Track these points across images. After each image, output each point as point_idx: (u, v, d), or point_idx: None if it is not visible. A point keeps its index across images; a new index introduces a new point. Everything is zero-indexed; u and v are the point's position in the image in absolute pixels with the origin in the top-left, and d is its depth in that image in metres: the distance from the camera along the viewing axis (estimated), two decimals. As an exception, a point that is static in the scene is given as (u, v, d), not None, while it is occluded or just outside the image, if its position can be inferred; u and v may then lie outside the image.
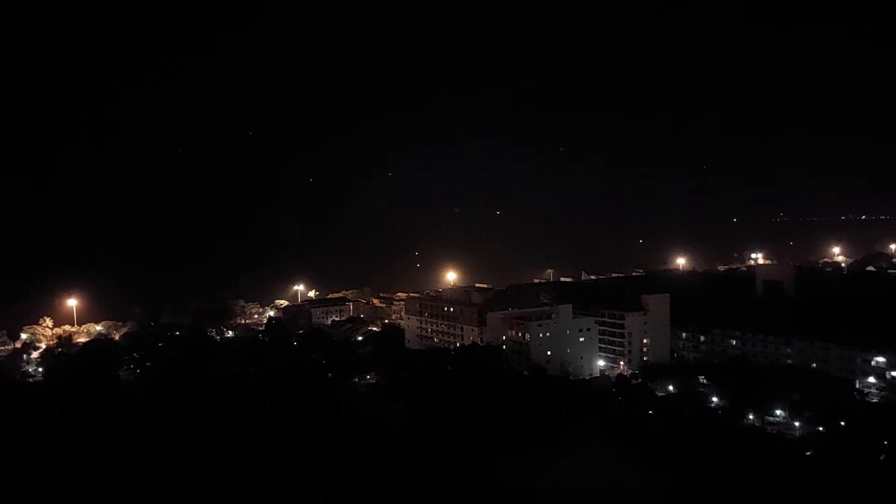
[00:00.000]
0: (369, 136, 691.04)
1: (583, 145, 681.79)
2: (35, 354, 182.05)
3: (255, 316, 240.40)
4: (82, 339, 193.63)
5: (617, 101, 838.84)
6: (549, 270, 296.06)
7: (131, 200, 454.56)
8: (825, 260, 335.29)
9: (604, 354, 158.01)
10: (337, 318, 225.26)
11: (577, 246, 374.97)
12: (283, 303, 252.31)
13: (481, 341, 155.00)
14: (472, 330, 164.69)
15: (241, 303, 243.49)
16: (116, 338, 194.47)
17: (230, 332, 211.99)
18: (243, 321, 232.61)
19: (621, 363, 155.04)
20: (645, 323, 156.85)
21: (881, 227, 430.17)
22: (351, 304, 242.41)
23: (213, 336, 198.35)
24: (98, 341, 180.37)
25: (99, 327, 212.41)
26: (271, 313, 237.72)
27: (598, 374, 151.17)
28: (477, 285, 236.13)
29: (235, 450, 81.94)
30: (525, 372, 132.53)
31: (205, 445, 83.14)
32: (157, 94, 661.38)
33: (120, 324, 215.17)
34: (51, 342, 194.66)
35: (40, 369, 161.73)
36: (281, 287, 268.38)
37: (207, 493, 73.87)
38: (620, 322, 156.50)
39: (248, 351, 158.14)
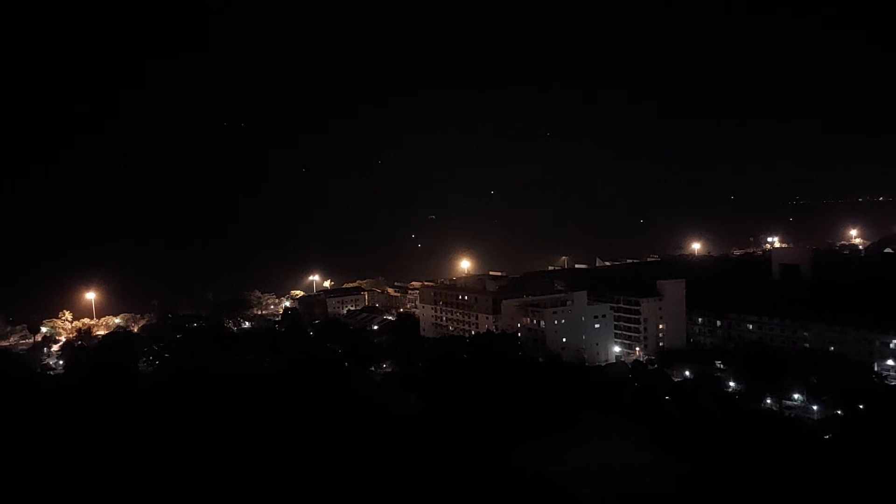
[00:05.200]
0: (375, 124, 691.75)
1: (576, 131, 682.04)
2: (55, 347, 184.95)
3: (272, 306, 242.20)
4: (101, 332, 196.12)
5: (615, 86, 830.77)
6: (564, 257, 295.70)
7: (147, 194, 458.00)
8: (842, 242, 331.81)
9: (619, 340, 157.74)
10: (352, 308, 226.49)
11: (586, 233, 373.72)
12: (299, 293, 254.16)
13: (496, 329, 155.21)
14: (487, 318, 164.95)
15: (258, 293, 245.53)
16: (135, 330, 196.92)
17: (247, 323, 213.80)
18: (260, 312, 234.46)
19: (637, 349, 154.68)
20: (660, 308, 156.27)
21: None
22: (366, 293, 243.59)
23: (229, 327, 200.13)
24: (117, 334, 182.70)
25: (118, 320, 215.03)
26: (287, 304, 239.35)
27: (614, 361, 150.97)
28: (491, 273, 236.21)
29: (253, 441, 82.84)
30: (540, 359, 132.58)
31: (223, 437, 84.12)
32: (157, 84, 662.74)
33: (138, 316, 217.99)
34: (70, 335, 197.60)
35: (61, 362, 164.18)
36: (296, 277, 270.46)
37: (226, 484, 74.79)
38: (636, 308, 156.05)
39: (264, 341, 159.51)
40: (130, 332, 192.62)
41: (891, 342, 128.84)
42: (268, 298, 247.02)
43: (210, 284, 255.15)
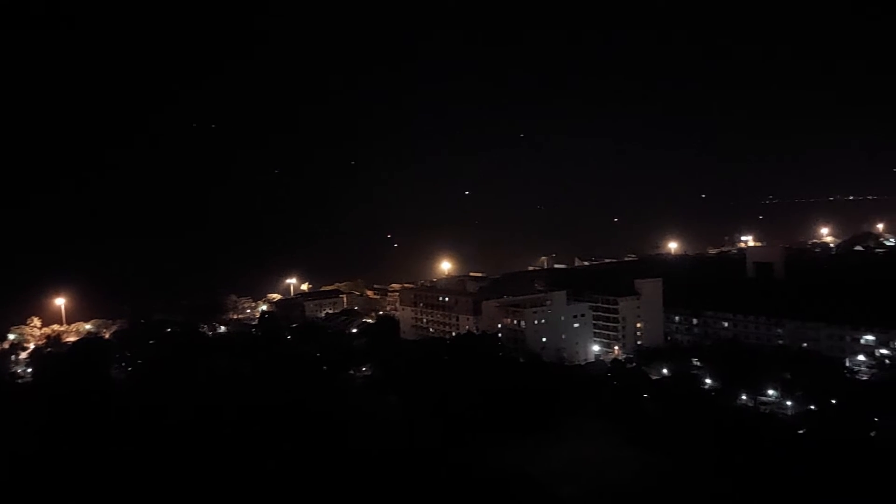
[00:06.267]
0: (349, 125, 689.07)
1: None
2: (24, 355, 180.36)
3: (248, 311, 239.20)
4: (72, 339, 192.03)
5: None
6: (543, 257, 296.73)
7: (115, 198, 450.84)
8: (814, 241, 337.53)
9: (598, 339, 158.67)
10: (331, 311, 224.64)
11: (565, 232, 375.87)
12: (276, 297, 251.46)
13: (477, 330, 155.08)
14: (468, 319, 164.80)
15: (233, 298, 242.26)
16: (107, 336, 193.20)
17: (223, 328, 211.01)
18: (236, 316, 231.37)
19: (616, 348, 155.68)
20: (638, 307, 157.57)
21: (868, 207, 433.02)
22: (344, 296, 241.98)
23: (205, 332, 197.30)
24: (88, 340, 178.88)
25: (88, 326, 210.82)
26: (264, 307, 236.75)
27: (594, 359, 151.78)
28: (471, 274, 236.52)
29: (230, 445, 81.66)
30: (521, 359, 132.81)
31: (198, 441, 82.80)
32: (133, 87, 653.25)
33: (110, 322, 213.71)
34: (39, 342, 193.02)
35: (29, 370, 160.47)
36: (273, 281, 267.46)
37: (202, 489, 73.58)
38: (614, 307, 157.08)
39: (241, 346, 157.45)
40: (102, 337, 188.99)
41: (861, 338, 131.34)
42: (244, 302, 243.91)
43: (184, 289, 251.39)
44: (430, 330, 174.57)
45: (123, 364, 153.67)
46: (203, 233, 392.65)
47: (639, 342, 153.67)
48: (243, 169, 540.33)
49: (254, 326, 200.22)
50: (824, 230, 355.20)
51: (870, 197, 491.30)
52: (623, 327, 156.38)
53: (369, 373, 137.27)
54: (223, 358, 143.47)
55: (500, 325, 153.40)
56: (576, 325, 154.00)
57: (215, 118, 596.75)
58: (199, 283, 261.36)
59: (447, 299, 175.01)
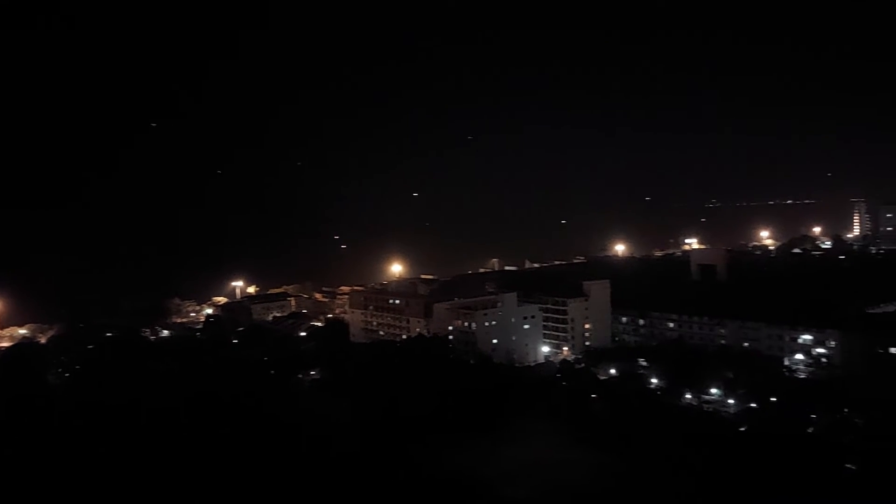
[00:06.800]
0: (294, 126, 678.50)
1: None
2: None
3: (193, 314, 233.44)
4: (5, 344, 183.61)
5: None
6: (494, 260, 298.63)
7: (52, 196, 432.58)
8: (755, 243, 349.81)
9: (548, 340, 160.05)
10: (278, 314, 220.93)
11: (515, 235, 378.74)
12: (222, 300, 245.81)
13: (428, 332, 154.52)
14: (419, 321, 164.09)
15: (177, 301, 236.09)
16: (43, 341, 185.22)
17: (166, 332, 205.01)
18: (180, 320, 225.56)
19: (565, 349, 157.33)
20: (587, 309, 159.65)
21: (806, 211, 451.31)
22: (293, 299, 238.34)
23: (147, 336, 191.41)
24: (21, 345, 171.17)
25: (23, 331, 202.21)
26: (209, 311, 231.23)
27: (543, 361, 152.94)
28: (422, 277, 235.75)
29: (171, 451, 78.97)
30: (471, 361, 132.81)
31: (138, 447, 79.91)
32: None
33: (46, 326, 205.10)
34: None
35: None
36: (219, 284, 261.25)
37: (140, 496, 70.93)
38: (563, 308, 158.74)
39: (185, 350, 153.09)
40: (38, 342, 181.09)
41: (799, 338, 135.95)
42: (188, 306, 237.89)
43: (126, 292, 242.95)
44: (381, 333, 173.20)
45: (60, 370, 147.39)
46: (145, 234, 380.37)
47: (587, 343, 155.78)
48: (188, 170, 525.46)
49: (198, 330, 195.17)
50: (764, 233, 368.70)
51: (807, 201, 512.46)
52: (572, 328, 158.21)
53: (318, 376, 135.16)
54: (167, 362, 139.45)
55: (451, 328, 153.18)
56: (526, 326, 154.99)
57: (155, 117, 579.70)
58: (141, 286, 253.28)
59: (398, 302, 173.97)
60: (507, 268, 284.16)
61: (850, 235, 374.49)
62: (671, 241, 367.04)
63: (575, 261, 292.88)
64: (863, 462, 78.33)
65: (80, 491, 71.23)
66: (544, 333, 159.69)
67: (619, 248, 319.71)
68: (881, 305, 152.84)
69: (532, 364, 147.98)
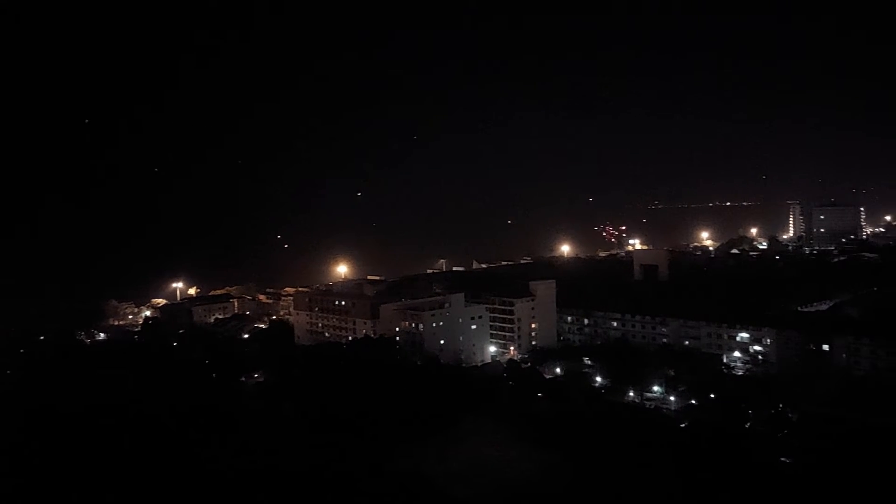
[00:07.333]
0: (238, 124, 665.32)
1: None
2: None
3: (130, 317, 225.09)
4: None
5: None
6: (442, 260, 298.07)
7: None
8: (695, 244, 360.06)
9: (495, 340, 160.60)
10: (221, 316, 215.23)
11: (461, 236, 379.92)
12: (161, 302, 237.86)
13: (374, 334, 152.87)
14: (365, 323, 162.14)
15: (114, 303, 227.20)
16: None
17: (102, 335, 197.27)
18: (117, 322, 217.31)
19: (512, 348, 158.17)
20: (533, 308, 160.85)
21: (743, 213, 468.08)
22: (235, 300, 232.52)
23: (82, 339, 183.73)
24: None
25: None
26: (148, 313, 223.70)
27: (490, 360, 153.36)
28: (369, 277, 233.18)
29: (106, 455, 75.68)
30: (418, 362, 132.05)
31: (71, 451, 76.33)
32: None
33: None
34: None
35: None
36: (158, 285, 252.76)
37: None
38: (510, 308, 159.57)
39: (122, 354, 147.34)
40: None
41: (737, 336, 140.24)
42: (126, 308, 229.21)
43: (60, 295, 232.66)
44: (327, 334, 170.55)
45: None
46: (80, 233, 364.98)
47: (533, 342, 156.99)
48: (128, 168, 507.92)
49: (137, 333, 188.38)
50: (704, 234, 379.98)
51: (745, 203, 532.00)
52: (519, 328, 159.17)
53: (262, 379, 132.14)
54: (102, 366, 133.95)
55: (398, 329, 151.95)
56: (473, 326, 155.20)
57: (89, 114, 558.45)
58: (75, 288, 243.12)
59: (344, 303, 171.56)
60: (454, 268, 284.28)
61: (785, 236, 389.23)
62: (615, 241, 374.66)
63: (522, 261, 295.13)
64: (797, 455, 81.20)
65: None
66: (491, 333, 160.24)
67: (565, 249, 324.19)
68: (813, 304, 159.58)
69: (479, 364, 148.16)
